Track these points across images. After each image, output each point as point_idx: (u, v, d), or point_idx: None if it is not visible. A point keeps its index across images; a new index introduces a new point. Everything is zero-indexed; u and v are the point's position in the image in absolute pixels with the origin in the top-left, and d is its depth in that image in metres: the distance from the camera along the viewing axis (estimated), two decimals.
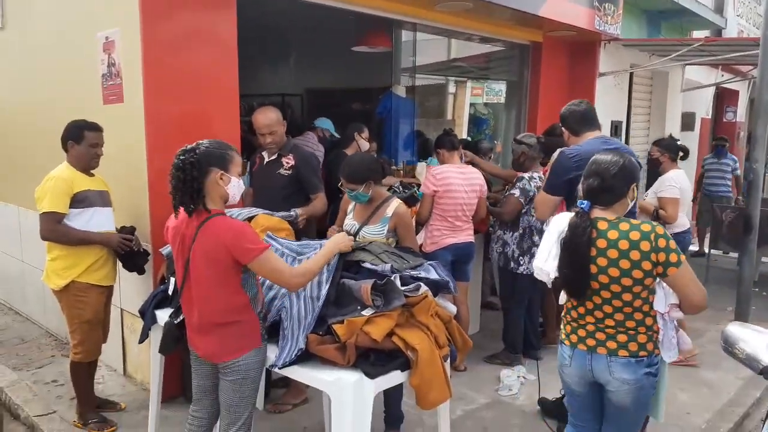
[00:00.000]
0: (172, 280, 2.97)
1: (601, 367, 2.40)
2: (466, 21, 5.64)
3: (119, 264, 3.57)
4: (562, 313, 2.60)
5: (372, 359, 2.49)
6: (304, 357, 2.49)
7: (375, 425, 2.53)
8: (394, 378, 2.53)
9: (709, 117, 10.36)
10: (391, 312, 2.52)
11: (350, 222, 3.42)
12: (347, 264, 2.76)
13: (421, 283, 2.64)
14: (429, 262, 2.88)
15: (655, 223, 2.34)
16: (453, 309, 2.88)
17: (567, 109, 3.45)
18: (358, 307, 2.52)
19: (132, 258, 3.53)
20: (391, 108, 6.02)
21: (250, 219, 3.19)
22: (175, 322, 2.67)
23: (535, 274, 2.56)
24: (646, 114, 8.73)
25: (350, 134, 4.92)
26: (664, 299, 2.37)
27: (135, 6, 3.49)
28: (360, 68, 7.11)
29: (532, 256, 4.37)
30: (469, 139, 6.76)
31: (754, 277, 5.90)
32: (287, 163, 3.79)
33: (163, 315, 2.97)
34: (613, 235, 2.31)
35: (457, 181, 4.18)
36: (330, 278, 2.59)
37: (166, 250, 3.12)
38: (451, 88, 8.33)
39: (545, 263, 2.43)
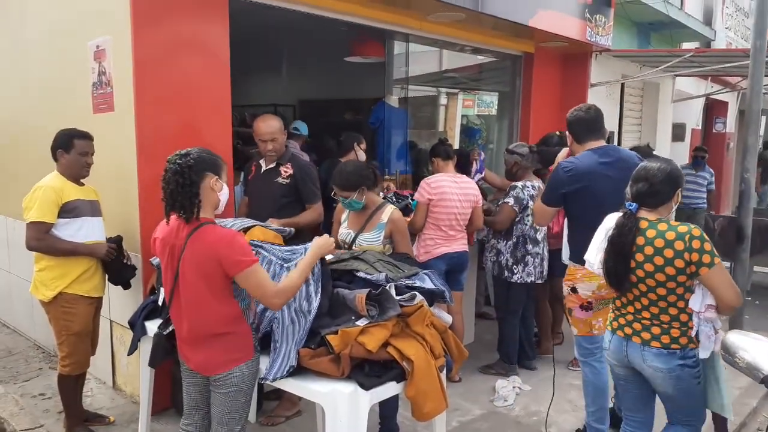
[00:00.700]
0: (162, 290, 2.93)
1: (636, 355, 2.60)
2: (459, 32, 5.66)
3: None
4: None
5: (367, 370, 2.45)
6: (297, 369, 2.45)
7: None
8: (390, 389, 2.49)
9: (699, 128, 10.44)
10: (386, 322, 2.49)
11: (345, 231, 3.39)
12: (341, 273, 2.73)
13: (417, 293, 2.62)
14: (424, 271, 2.86)
15: (693, 225, 2.47)
16: (448, 319, 2.85)
17: (574, 114, 3.39)
18: (353, 317, 2.49)
19: (119, 271, 3.48)
20: (384, 118, 6.00)
21: (245, 230, 3.15)
22: (165, 333, 2.62)
23: (586, 266, 2.74)
24: (637, 125, 8.79)
25: (349, 144, 4.90)
26: (701, 299, 2.47)
27: (126, 15, 3.46)
28: (353, 79, 7.11)
29: (526, 264, 4.36)
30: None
31: (747, 287, 5.91)
32: (285, 172, 3.78)
33: (152, 326, 2.92)
34: (651, 233, 2.50)
35: (451, 190, 4.17)
36: (319, 290, 2.53)
37: (156, 260, 3.07)
38: (443, 100, 8.35)
39: (595, 257, 2.66)
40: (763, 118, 6.67)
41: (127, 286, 3.56)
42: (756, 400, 4.22)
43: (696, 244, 2.39)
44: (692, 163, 7.94)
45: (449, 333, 2.77)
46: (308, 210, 3.78)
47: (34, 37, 4.51)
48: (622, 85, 7.83)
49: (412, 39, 5.81)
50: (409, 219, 4.27)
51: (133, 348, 3.10)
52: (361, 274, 2.66)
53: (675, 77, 8.69)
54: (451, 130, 7.99)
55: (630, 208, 2.57)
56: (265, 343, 2.60)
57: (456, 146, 7.26)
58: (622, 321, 2.67)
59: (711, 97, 10.11)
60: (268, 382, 2.49)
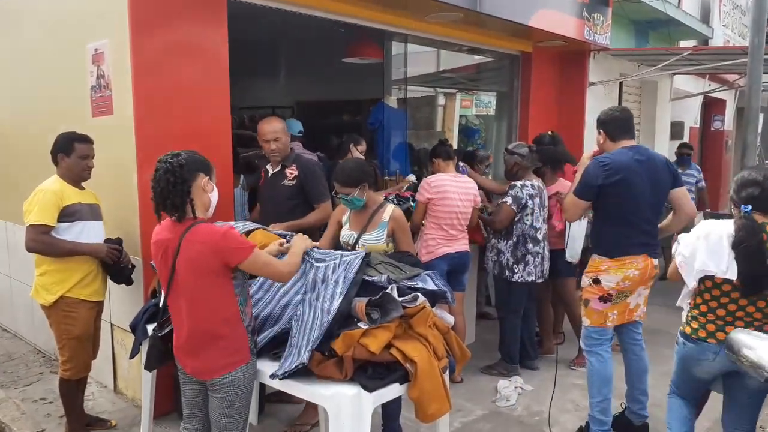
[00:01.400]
0: (163, 293, 2.92)
1: None
2: (457, 32, 5.66)
3: (109, 279, 3.51)
4: (694, 311, 2.79)
5: (370, 372, 2.44)
6: (302, 370, 2.44)
7: None
8: (393, 391, 2.49)
9: (698, 126, 10.45)
10: (388, 323, 2.48)
11: (348, 233, 3.38)
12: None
13: (419, 294, 2.61)
14: (426, 272, 2.85)
15: None
16: (451, 320, 2.85)
17: (607, 115, 3.53)
18: (356, 320, 2.48)
19: (121, 270, 3.48)
20: (383, 119, 6.00)
21: (247, 234, 3.14)
22: (160, 335, 2.60)
23: (718, 274, 2.65)
24: (635, 123, 8.77)
25: (346, 146, 4.90)
26: None
27: (125, 18, 3.46)
28: (351, 80, 7.11)
29: (527, 264, 4.36)
30: (470, 148, 6.74)
31: None
32: (291, 173, 3.79)
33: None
34: None
35: (452, 189, 4.17)
36: (345, 292, 2.51)
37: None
38: (441, 100, 8.35)
39: (723, 264, 2.61)
40: (761, 115, 6.68)
41: (129, 282, 3.54)
42: None
43: None
44: (678, 161, 7.35)
45: (452, 334, 2.77)
46: (316, 210, 3.76)
47: (32, 40, 4.50)
48: (621, 83, 7.83)
49: (410, 39, 5.81)
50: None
51: (134, 351, 3.09)
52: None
53: (673, 75, 8.69)
54: (450, 130, 8.00)
55: (746, 210, 2.60)
56: (265, 349, 2.60)
57: (455, 146, 7.27)
58: (729, 330, 2.62)
59: (709, 95, 10.12)
60: (277, 381, 2.47)
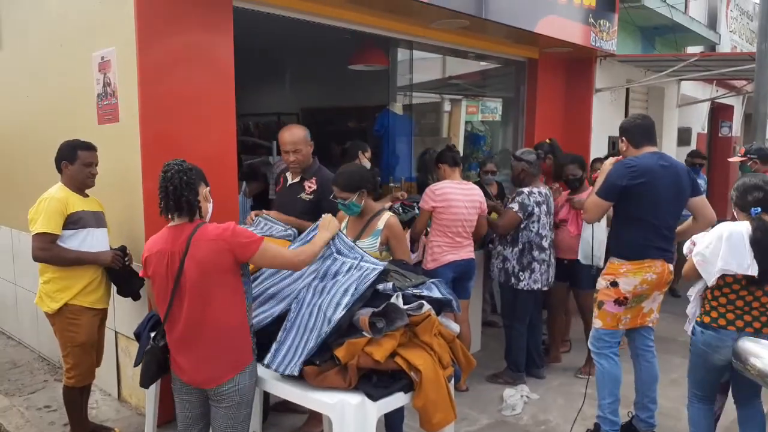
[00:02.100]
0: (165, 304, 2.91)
1: None
2: (463, 38, 5.65)
3: (114, 287, 3.51)
4: (713, 303, 2.99)
5: (374, 381, 2.43)
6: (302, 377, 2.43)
7: None
8: (398, 400, 2.47)
9: (705, 132, 10.38)
10: (393, 332, 2.46)
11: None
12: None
13: (424, 302, 2.59)
14: (431, 280, 2.83)
15: None
16: (456, 328, 2.83)
17: (630, 122, 3.60)
18: (361, 330, 2.46)
19: (128, 281, 3.46)
20: (389, 126, 6.00)
21: None
22: (160, 345, 2.58)
23: (738, 272, 2.84)
24: None
25: (354, 152, 4.89)
26: None
27: (131, 26, 3.47)
28: (356, 86, 7.11)
29: (533, 271, 4.33)
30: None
31: None
32: (309, 187, 3.67)
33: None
34: None
35: (457, 197, 4.15)
36: (351, 303, 2.49)
37: None
38: (447, 107, 8.35)
39: (745, 262, 2.82)
40: None
41: (136, 297, 3.54)
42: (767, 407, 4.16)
43: None
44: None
45: (457, 342, 2.74)
46: None
47: (39, 48, 4.52)
48: (627, 90, 7.79)
49: (415, 46, 5.80)
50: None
51: (139, 359, 3.07)
52: None
53: (680, 82, 8.65)
54: (455, 136, 7.98)
55: (756, 212, 2.89)
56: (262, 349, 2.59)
57: (461, 153, 7.27)
58: (748, 318, 2.89)
59: (716, 101, 10.06)
60: (270, 368, 2.48)
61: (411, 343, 2.55)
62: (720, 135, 11.01)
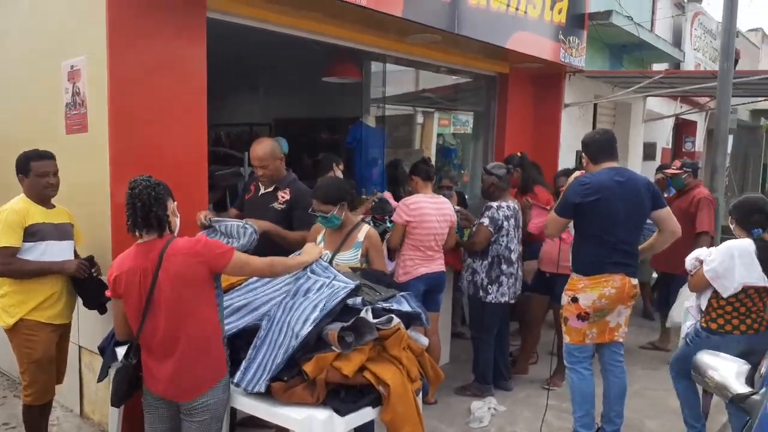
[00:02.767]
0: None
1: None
2: (435, 53, 5.73)
3: (78, 301, 3.43)
4: (719, 311, 3.37)
5: (342, 395, 2.44)
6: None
7: None
8: (366, 414, 2.48)
9: (669, 147, 10.67)
10: (362, 346, 2.47)
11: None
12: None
13: (394, 316, 2.61)
14: (401, 294, 2.86)
15: None
16: (425, 341, 2.85)
17: (590, 138, 3.70)
18: (330, 344, 2.47)
19: (95, 293, 3.39)
20: (362, 138, 6.02)
21: None
22: (133, 362, 2.55)
23: (749, 283, 3.24)
24: None
25: (328, 165, 4.91)
26: None
27: (102, 34, 3.42)
28: (330, 98, 7.13)
29: (501, 284, 4.38)
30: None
31: None
32: (282, 197, 3.66)
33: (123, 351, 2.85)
34: None
35: (430, 211, 4.19)
36: (320, 319, 2.49)
37: None
38: (419, 119, 8.43)
39: (756, 274, 3.23)
40: (730, 137, 6.87)
41: (103, 310, 3.46)
42: (725, 416, 4.26)
43: None
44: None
45: (425, 356, 2.77)
46: (299, 232, 3.60)
47: (8, 57, 4.43)
48: (595, 105, 7.98)
49: (389, 60, 5.85)
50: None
51: (103, 375, 3.03)
52: None
53: (646, 98, 8.88)
54: (428, 149, 8.05)
55: (758, 233, 3.31)
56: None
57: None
58: (748, 321, 3.34)
59: (680, 117, 10.35)
60: (241, 388, 2.47)
61: (380, 357, 2.57)
62: (684, 150, 11.32)
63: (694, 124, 11.36)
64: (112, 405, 2.71)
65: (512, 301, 4.52)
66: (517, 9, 5.61)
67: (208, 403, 2.41)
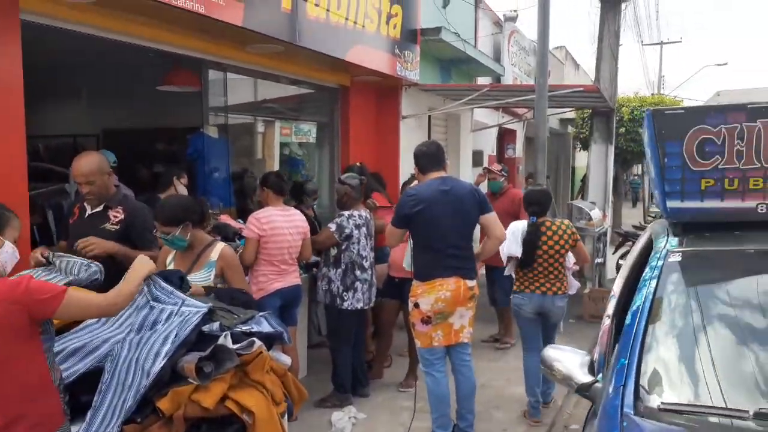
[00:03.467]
0: None
1: (548, 301, 4.31)
2: (277, 63, 5.67)
3: None
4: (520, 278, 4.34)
5: (204, 429, 2.31)
6: None
7: None
8: None
9: (494, 154, 11.61)
10: (223, 375, 2.36)
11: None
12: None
13: (255, 339, 2.53)
14: (261, 314, 2.77)
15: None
16: (287, 360, 2.81)
17: (418, 150, 3.90)
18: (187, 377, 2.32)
19: None
20: (204, 149, 5.75)
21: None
22: None
23: (506, 253, 4.17)
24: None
25: (168, 178, 4.61)
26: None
27: None
28: (167, 107, 6.71)
29: (355, 291, 4.46)
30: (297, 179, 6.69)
31: None
32: (115, 216, 3.32)
33: None
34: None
35: (282, 224, 4.13)
36: (172, 352, 2.32)
37: None
38: (260, 128, 8.26)
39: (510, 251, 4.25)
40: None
41: None
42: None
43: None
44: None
45: (289, 375, 2.73)
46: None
47: None
48: (429, 116, 8.44)
49: (229, 69, 5.67)
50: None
51: None
52: None
53: (473, 109, 9.58)
54: (270, 159, 7.93)
55: (533, 220, 4.21)
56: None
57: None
58: (537, 284, 4.26)
59: (503, 126, 11.33)
60: None
61: (242, 383, 2.47)
62: (506, 156, 12.39)
63: (514, 132, 12.49)
64: None
65: (367, 307, 4.61)
66: (355, 22, 5.76)
67: None
